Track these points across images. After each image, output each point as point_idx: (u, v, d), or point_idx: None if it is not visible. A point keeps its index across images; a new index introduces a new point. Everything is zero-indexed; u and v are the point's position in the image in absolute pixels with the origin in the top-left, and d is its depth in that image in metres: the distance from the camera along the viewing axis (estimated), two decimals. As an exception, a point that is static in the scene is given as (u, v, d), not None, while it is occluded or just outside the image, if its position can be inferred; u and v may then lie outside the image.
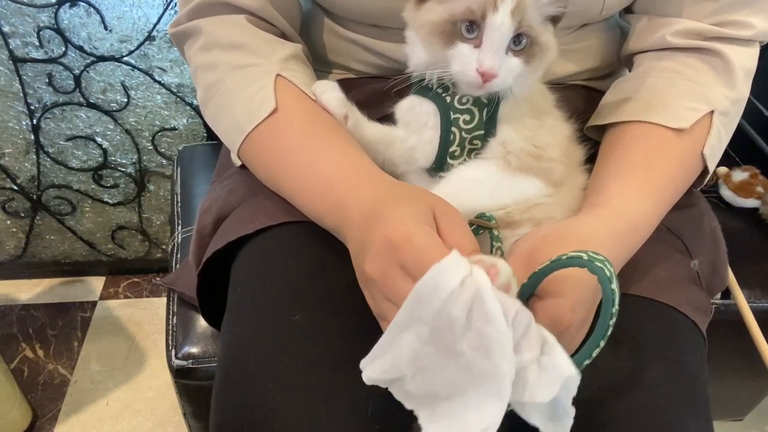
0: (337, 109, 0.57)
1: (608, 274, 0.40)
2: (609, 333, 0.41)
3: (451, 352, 0.38)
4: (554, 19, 0.53)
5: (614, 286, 0.40)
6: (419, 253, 0.39)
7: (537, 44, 0.51)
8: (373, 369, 0.40)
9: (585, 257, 0.41)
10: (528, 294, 0.44)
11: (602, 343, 0.42)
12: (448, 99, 0.54)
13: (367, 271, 0.43)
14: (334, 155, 0.53)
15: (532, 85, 0.53)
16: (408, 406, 0.40)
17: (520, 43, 0.50)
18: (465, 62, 0.49)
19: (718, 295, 0.83)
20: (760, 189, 0.97)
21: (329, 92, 0.57)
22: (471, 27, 0.48)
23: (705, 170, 0.61)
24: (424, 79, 0.55)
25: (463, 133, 0.53)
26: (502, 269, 0.39)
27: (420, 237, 0.40)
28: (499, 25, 0.47)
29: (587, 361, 0.42)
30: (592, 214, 0.53)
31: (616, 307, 0.40)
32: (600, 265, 0.40)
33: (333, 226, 0.53)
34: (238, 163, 0.64)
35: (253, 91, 0.57)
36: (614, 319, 0.41)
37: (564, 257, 0.42)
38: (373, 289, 0.44)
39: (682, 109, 0.58)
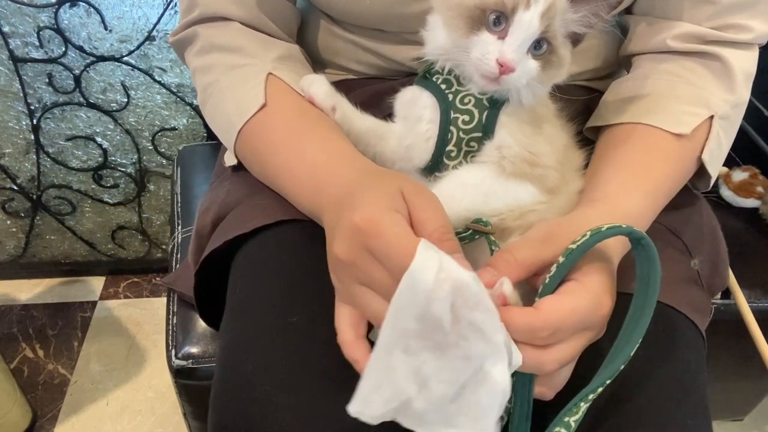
0: (324, 101, 0.57)
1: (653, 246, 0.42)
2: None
3: (446, 348, 0.38)
4: (574, 41, 0.53)
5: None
6: (387, 241, 0.39)
7: (556, 54, 0.51)
8: (374, 405, 0.38)
9: (624, 226, 0.41)
10: (563, 273, 0.43)
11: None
12: (450, 97, 0.54)
13: (335, 252, 0.43)
14: (317, 144, 0.54)
15: (538, 96, 0.53)
16: (421, 430, 0.39)
17: (541, 48, 0.50)
18: (486, 51, 0.49)
19: (718, 295, 0.83)
20: (760, 189, 0.97)
21: (316, 85, 0.58)
22: (499, 19, 0.48)
23: (707, 174, 0.61)
24: (433, 66, 0.55)
25: (461, 134, 0.53)
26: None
27: (388, 225, 0.40)
28: (528, 23, 0.47)
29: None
30: (593, 209, 0.52)
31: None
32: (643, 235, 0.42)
33: (312, 211, 0.53)
34: (231, 162, 0.64)
35: (245, 90, 0.59)
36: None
37: (604, 228, 0.42)
38: (341, 272, 0.44)
39: (682, 113, 0.58)
